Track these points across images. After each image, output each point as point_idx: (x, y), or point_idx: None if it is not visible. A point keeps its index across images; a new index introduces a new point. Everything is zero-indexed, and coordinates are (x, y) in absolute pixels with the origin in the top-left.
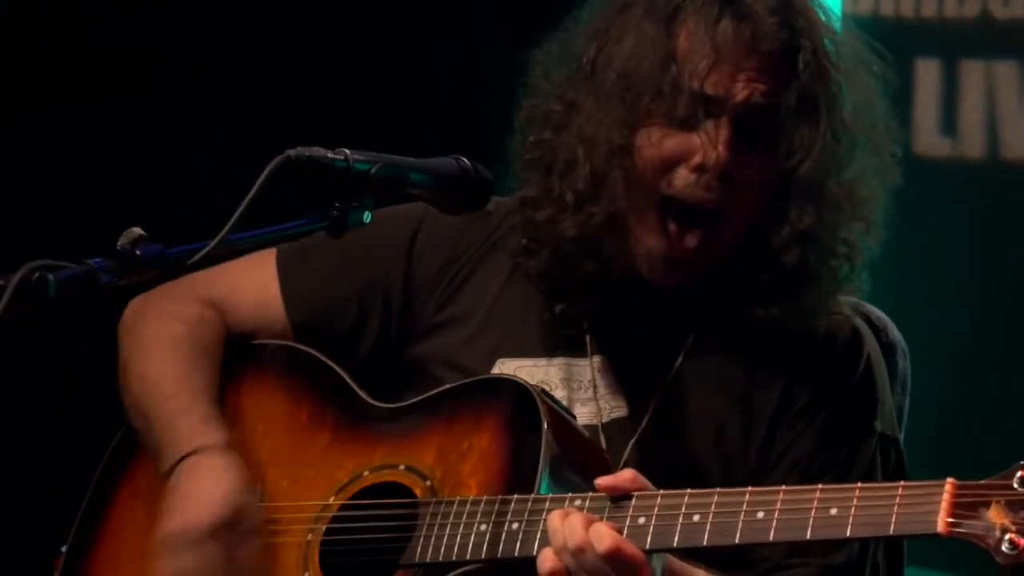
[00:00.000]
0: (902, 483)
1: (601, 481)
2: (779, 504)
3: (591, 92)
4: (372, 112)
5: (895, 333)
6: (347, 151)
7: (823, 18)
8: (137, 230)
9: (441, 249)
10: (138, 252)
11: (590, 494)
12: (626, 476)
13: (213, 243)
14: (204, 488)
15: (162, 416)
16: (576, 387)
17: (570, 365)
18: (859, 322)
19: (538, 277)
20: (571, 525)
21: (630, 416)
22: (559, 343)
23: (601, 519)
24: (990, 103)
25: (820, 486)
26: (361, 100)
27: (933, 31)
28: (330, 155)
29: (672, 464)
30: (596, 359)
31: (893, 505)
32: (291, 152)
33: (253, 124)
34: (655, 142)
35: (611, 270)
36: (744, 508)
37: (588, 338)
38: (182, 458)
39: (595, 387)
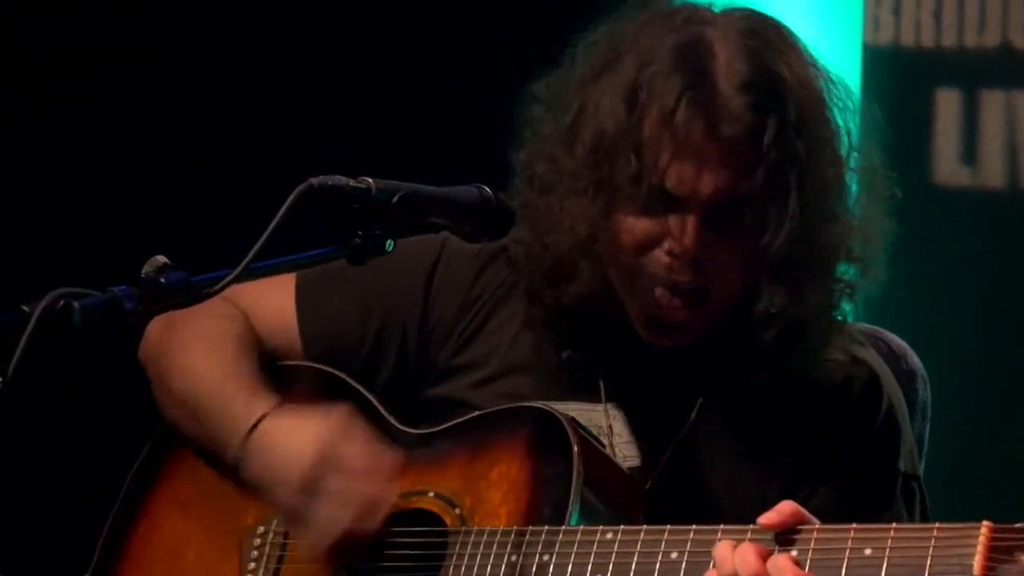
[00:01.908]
0: (937, 524)
1: (765, 520)
2: (813, 543)
3: (571, 160)
4: (395, 138)
5: (915, 360)
6: (369, 179)
7: (797, 69)
8: (161, 258)
9: (457, 291)
10: (162, 280)
11: (622, 527)
12: (787, 511)
13: (237, 271)
14: (290, 445)
15: (216, 403)
16: (592, 433)
17: (585, 411)
18: (876, 363)
19: (542, 325)
20: (743, 555)
21: (642, 467)
22: (574, 389)
23: (772, 551)
24: (1010, 132)
25: (855, 525)
26: (385, 124)
27: (953, 61)
28: (352, 183)
29: (688, 513)
30: (610, 406)
31: (928, 547)
32: (314, 180)
33: (277, 151)
34: (628, 227)
35: (609, 326)
36: (777, 548)
37: (602, 384)
38: (248, 433)
39: (611, 434)
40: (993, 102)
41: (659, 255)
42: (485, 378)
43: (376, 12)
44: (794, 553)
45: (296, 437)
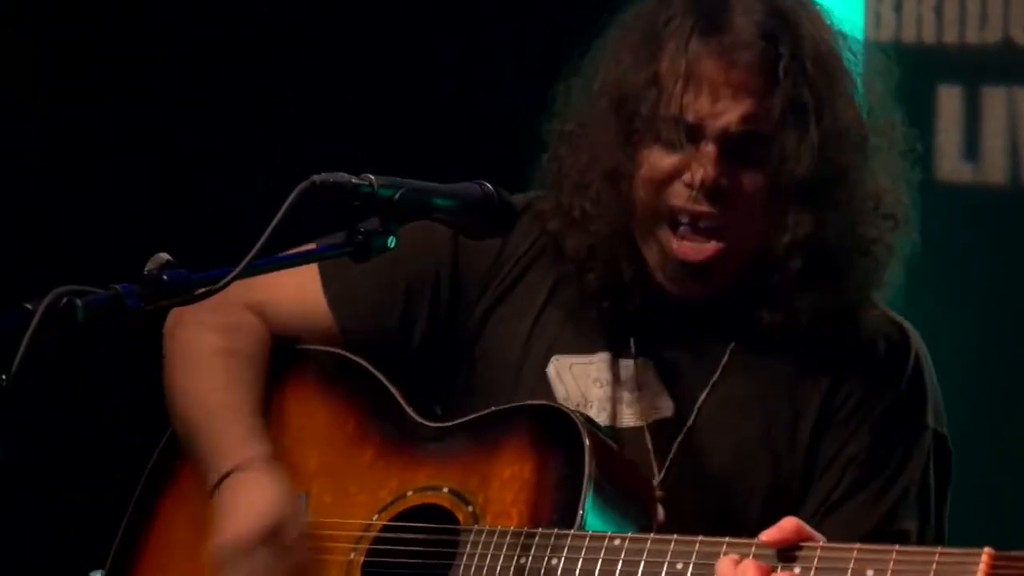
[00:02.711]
0: (940, 549)
1: (767, 536)
2: (816, 562)
3: (597, 114)
4: (397, 135)
5: None
6: (371, 176)
7: (816, 22)
8: (164, 255)
9: (490, 248)
10: (165, 277)
11: (629, 535)
12: (789, 527)
13: (239, 268)
14: (248, 501)
15: (205, 432)
16: (621, 386)
17: (617, 364)
18: (905, 322)
19: (581, 295)
20: (745, 571)
21: (675, 417)
22: (608, 341)
23: (774, 568)
24: (1012, 128)
25: (858, 545)
26: (387, 121)
27: (955, 57)
28: (355, 180)
29: (717, 463)
30: (641, 360)
31: (930, 571)
32: (316, 177)
33: (279, 148)
34: (650, 162)
35: (636, 277)
36: (780, 565)
37: (632, 339)
38: (226, 475)
39: (639, 387)
40: (995, 98)
41: (679, 188)
42: (523, 333)
43: (378, 11)
44: (796, 571)
45: (244, 509)
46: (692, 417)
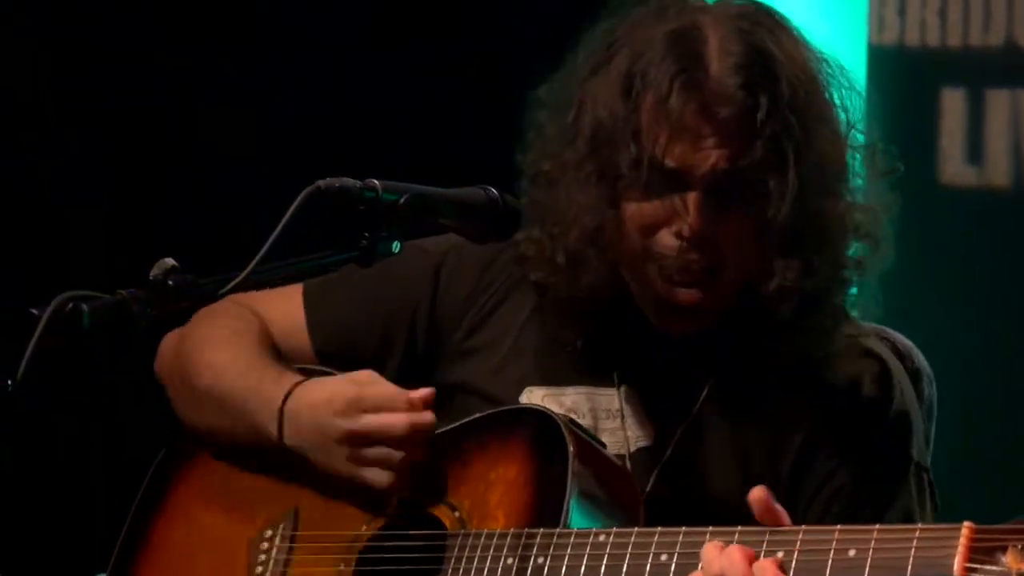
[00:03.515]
0: (919, 526)
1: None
2: (798, 544)
3: (574, 155)
4: (402, 140)
5: (920, 360)
6: (376, 181)
7: (794, 56)
8: (169, 260)
9: (467, 279)
10: (170, 282)
11: (614, 529)
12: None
13: (244, 273)
14: (325, 391)
15: (245, 391)
16: (603, 416)
17: (596, 395)
18: (886, 355)
19: (554, 316)
20: (731, 556)
21: (654, 447)
22: (586, 373)
23: (759, 553)
24: (1016, 131)
25: (839, 527)
26: (392, 126)
27: (958, 60)
28: (359, 185)
29: (694, 495)
30: (623, 389)
31: (910, 548)
32: (321, 182)
33: (284, 153)
34: (634, 212)
35: (621, 315)
36: (764, 548)
37: (615, 371)
38: (283, 404)
39: (622, 416)
40: (998, 101)
41: (666, 237)
42: (497, 364)
43: (384, 14)
44: (780, 555)
45: (328, 385)
46: (669, 448)
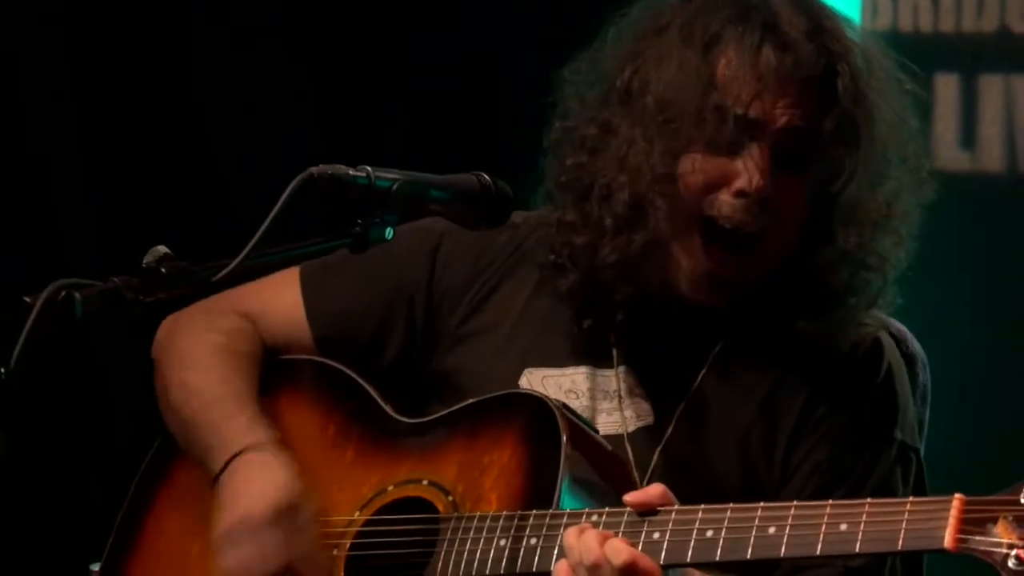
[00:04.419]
0: (911, 499)
1: (630, 497)
2: (790, 519)
3: (628, 116)
4: (396, 127)
5: (915, 345)
6: (369, 168)
7: (853, 37)
8: (162, 248)
9: (465, 260)
10: (163, 270)
11: (607, 509)
12: (654, 492)
13: (237, 260)
14: (257, 481)
15: (208, 421)
16: (602, 397)
17: (596, 375)
18: (882, 333)
19: (567, 294)
20: (586, 541)
21: (655, 425)
22: (585, 353)
23: (616, 535)
24: (1009, 117)
25: (830, 502)
26: (385, 114)
27: (951, 45)
28: (352, 172)
29: (697, 471)
30: (622, 369)
31: (901, 521)
32: (313, 169)
33: (277, 141)
34: (697, 168)
35: (646, 290)
36: (756, 524)
37: (614, 350)
38: (232, 457)
39: (620, 397)
40: (992, 86)
41: (724, 197)
42: (496, 346)
43: (377, 4)
44: (772, 531)
45: (254, 489)
46: (670, 427)
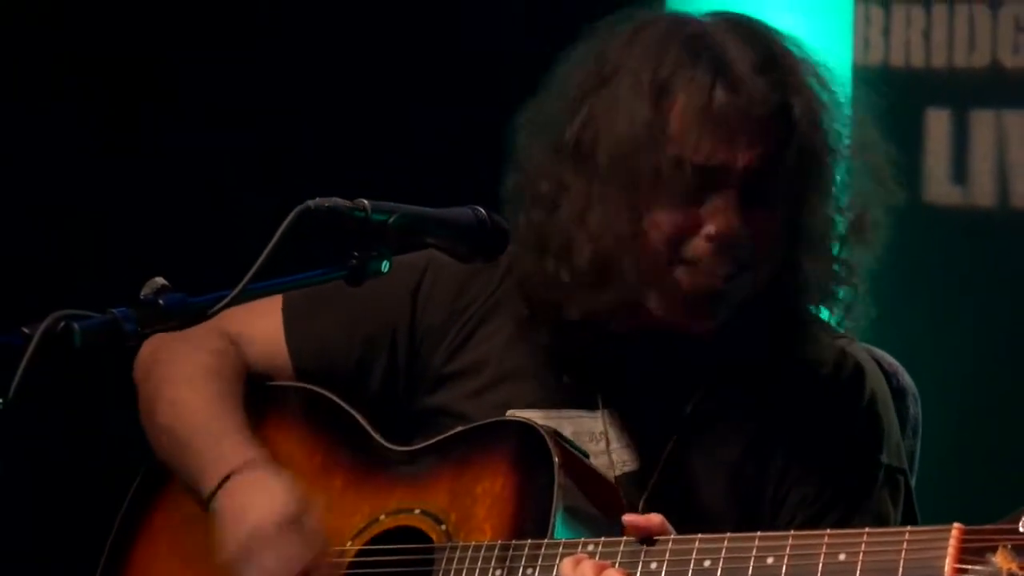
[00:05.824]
0: (909, 528)
1: (629, 519)
2: (789, 549)
3: (582, 174)
4: (391, 160)
5: (906, 379)
6: (365, 201)
7: (803, 57)
8: (160, 280)
9: (446, 300)
10: (161, 301)
11: (602, 539)
12: (655, 520)
13: (235, 292)
14: (260, 496)
15: (197, 443)
16: (588, 440)
17: (580, 419)
18: (864, 357)
19: (543, 348)
20: (583, 572)
21: (640, 470)
22: (569, 397)
23: (613, 564)
24: (1000, 152)
25: (828, 531)
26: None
27: (943, 81)
28: (349, 205)
29: (686, 515)
30: (606, 412)
31: (901, 551)
32: (310, 202)
33: (274, 173)
34: (663, 221)
35: (619, 333)
36: (755, 553)
37: (598, 393)
38: (225, 479)
39: (607, 440)
40: (983, 122)
41: (699, 243)
42: (479, 387)
43: (374, 36)
44: (770, 561)
45: (258, 503)
46: (656, 472)
